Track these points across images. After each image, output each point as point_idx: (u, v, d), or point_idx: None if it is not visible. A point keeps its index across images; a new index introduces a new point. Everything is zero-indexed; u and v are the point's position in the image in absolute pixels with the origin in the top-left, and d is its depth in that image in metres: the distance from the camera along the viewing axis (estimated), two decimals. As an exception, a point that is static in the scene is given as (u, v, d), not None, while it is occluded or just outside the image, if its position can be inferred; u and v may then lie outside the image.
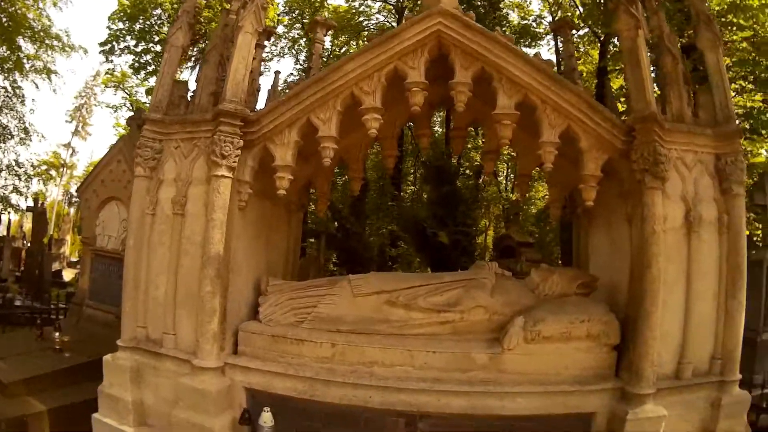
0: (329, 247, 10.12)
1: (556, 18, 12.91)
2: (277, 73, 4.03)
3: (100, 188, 5.77)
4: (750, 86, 8.46)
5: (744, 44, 8.29)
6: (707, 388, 3.33)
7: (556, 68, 3.61)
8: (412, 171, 15.45)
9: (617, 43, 10.30)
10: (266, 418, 3.17)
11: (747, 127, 8.15)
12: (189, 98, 3.63)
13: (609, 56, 10.23)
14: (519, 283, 3.52)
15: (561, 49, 4.40)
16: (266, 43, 4.34)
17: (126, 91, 15.53)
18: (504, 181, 17.90)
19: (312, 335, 3.31)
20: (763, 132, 8.35)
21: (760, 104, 8.49)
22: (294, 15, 15.01)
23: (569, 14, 12.86)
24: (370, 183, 12.31)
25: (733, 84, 8.64)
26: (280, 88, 4.01)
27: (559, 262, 10.01)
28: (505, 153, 14.87)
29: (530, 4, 14.99)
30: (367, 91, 3.22)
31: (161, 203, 3.52)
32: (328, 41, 14.44)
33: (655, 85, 3.53)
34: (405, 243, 10.36)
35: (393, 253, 10.38)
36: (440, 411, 3.06)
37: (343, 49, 14.54)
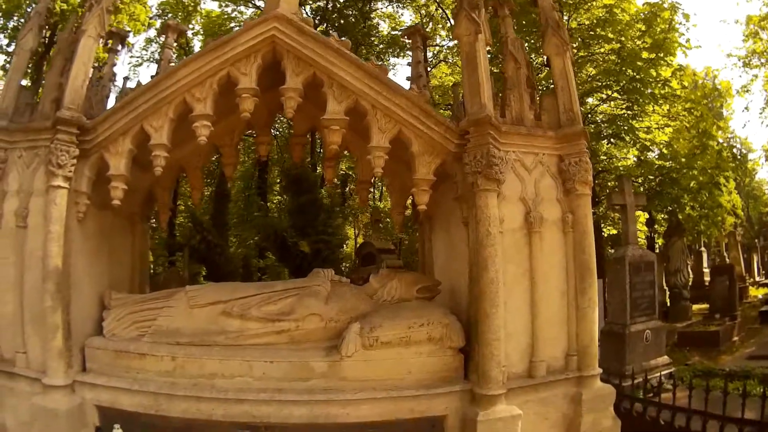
0: (193, 261, 10.02)
1: (405, 28, 13.18)
2: (125, 79, 4.01)
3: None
4: (616, 95, 8.89)
5: (612, 56, 8.78)
6: (564, 385, 3.32)
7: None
8: (278, 181, 15.44)
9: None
10: (117, 435, 3.06)
11: (611, 132, 8.61)
12: (34, 105, 3.58)
13: None
14: (357, 290, 3.48)
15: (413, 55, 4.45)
16: (123, 47, 4.32)
17: (-3, 96, 15.05)
18: (372, 189, 18.16)
19: (153, 349, 3.23)
20: (626, 138, 8.83)
21: (624, 111, 8.95)
22: (166, 19, 14.44)
23: (440, 26, 13.23)
24: (236, 194, 12.16)
25: (598, 93, 9.12)
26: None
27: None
28: None
29: (402, 15, 15.25)
30: (199, 98, 3.21)
31: (6, 216, 3.43)
32: (198, 46, 14.38)
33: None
34: (272, 254, 10.35)
35: (261, 265, 10.27)
36: (283, 421, 2.99)
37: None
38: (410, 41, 4.47)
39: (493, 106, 3.27)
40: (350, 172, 15.37)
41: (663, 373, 4.73)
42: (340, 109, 3.18)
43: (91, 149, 3.32)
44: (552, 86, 3.79)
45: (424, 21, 14.15)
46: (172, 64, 4.10)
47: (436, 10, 13.78)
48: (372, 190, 18.41)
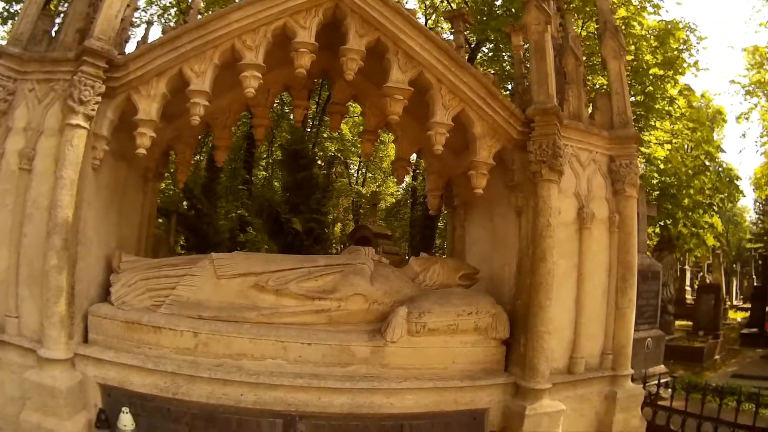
0: (181, 229, 9.71)
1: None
2: (149, 23, 3.61)
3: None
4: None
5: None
6: (600, 383, 3.34)
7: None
8: (265, 156, 15.38)
9: (486, 50, 10.86)
10: (126, 420, 2.69)
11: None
12: (53, 34, 3.13)
13: (477, 61, 10.74)
14: (399, 272, 3.31)
15: (452, 39, 4.34)
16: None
17: (-9, 44, 13.89)
18: (355, 174, 18.37)
19: (171, 322, 2.87)
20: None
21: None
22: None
23: (443, 18, 12.68)
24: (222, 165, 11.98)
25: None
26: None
27: (405, 258, 10.25)
28: (359, 145, 15.31)
29: (407, 2, 15.13)
30: (250, 45, 2.92)
31: (7, 156, 2.96)
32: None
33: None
34: (254, 229, 10.07)
35: (242, 239, 10.12)
36: (321, 410, 2.76)
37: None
38: (452, 26, 4.35)
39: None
40: (338, 154, 15.04)
41: (661, 381, 4.87)
42: (405, 78, 3.01)
43: (118, 89, 2.92)
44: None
45: (428, 12, 13.75)
46: (200, 15, 3.74)
47: (441, 2, 13.49)
48: (356, 174, 18.28)
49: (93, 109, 2.81)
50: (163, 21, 12.97)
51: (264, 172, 15.23)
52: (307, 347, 2.85)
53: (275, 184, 13.79)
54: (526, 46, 3.81)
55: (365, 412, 2.78)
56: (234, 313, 2.92)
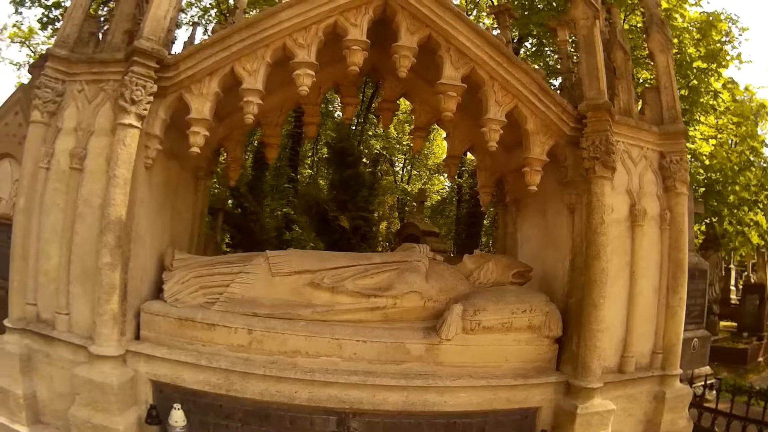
0: (225, 226, 9.75)
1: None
2: (195, 24, 3.61)
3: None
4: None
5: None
6: (650, 382, 3.30)
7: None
8: (310, 155, 15.44)
9: (528, 45, 10.81)
10: (177, 416, 2.71)
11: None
12: (100, 36, 3.14)
13: (521, 56, 10.68)
14: (453, 269, 3.28)
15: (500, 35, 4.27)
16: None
17: (31, 48, 14.20)
18: (401, 172, 18.41)
19: (225, 319, 2.88)
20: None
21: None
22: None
23: (484, 14, 12.59)
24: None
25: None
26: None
27: (451, 255, 10.21)
28: (404, 143, 14.97)
29: None
30: (302, 44, 2.90)
31: (57, 156, 2.99)
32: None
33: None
34: (300, 227, 10.03)
35: (288, 237, 10.08)
36: (375, 408, 2.75)
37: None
38: (498, 21, 4.30)
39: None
40: (383, 152, 15.01)
41: (706, 382, 4.79)
42: (457, 75, 2.98)
43: (170, 88, 2.92)
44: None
45: (469, 7, 13.40)
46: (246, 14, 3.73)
47: (483, -3, 13.30)
48: (401, 172, 18.31)
49: (145, 109, 2.82)
50: (203, 22, 13.04)
51: (309, 170, 15.29)
52: (362, 345, 2.84)
53: (320, 182, 13.82)
54: (572, 41, 3.76)
55: (419, 409, 2.78)
56: (288, 310, 2.92)
